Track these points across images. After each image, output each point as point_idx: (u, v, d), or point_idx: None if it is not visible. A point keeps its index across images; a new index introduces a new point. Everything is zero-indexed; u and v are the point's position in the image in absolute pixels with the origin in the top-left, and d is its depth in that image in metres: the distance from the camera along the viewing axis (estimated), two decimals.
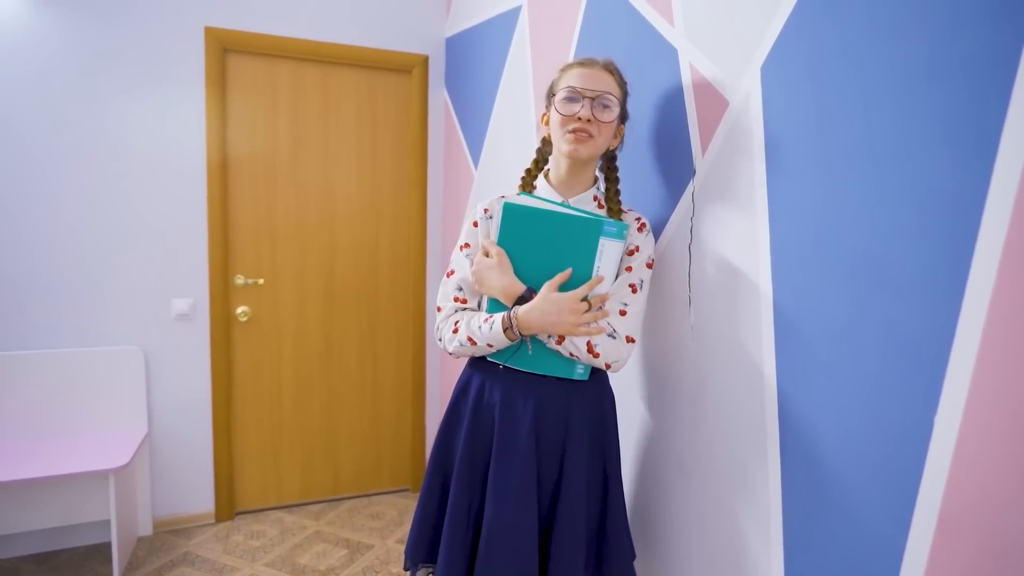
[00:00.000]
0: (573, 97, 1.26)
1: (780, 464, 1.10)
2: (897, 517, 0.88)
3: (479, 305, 1.36)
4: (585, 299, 1.23)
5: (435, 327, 1.39)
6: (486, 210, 1.38)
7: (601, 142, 1.29)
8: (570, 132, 1.26)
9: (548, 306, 1.20)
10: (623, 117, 1.35)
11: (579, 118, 1.25)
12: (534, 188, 1.40)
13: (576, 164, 1.32)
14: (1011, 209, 0.74)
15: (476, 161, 2.63)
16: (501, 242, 1.27)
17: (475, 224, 1.39)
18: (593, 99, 1.25)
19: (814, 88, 1.02)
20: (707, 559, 1.29)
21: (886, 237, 0.90)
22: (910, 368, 0.86)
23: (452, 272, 1.39)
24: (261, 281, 2.81)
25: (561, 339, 1.23)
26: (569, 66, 1.31)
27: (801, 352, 1.05)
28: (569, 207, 1.28)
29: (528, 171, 1.43)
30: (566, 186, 1.35)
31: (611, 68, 1.31)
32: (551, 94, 1.34)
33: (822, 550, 1.02)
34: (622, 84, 1.33)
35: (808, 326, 1.04)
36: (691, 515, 1.34)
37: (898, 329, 0.88)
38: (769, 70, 1.11)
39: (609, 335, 1.23)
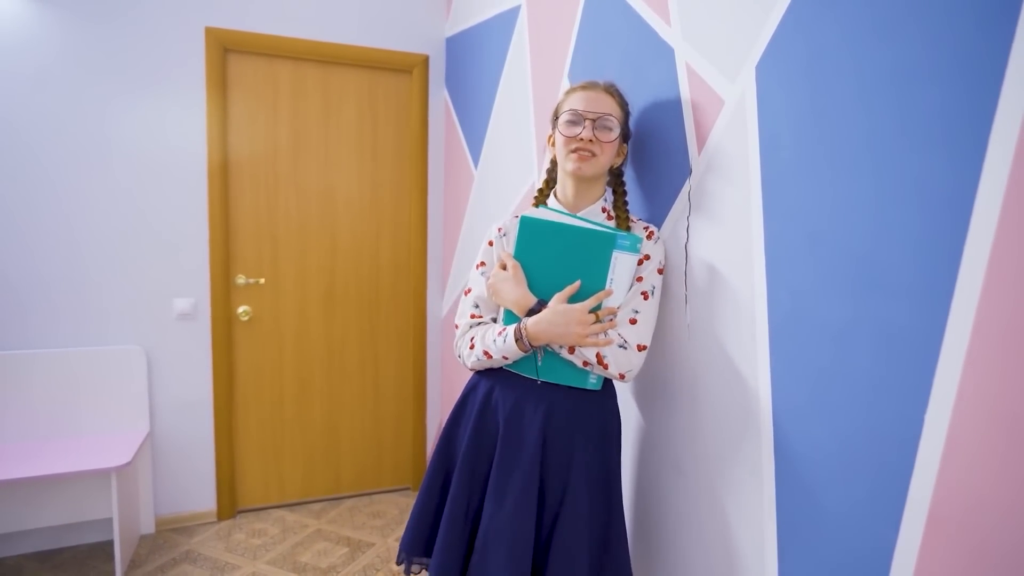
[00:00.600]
0: (575, 119, 1.32)
1: (774, 463, 1.10)
2: (887, 515, 0.89)
3: (495, 320, 1.39)
4: (595, 311, 1.25)
5: (454, 344, 1.44)
6: (500, 229, 1.43)
7: (603, 160, 1.34)
8: (573, 152, 1.32)
9: (556, 317, 1.23)
10: (626, 136, 1.39)
11: (581, 138, 1.30)
12: (546, 205, 1.44)
13: (581, 182, 1.36)
14: (999, 211, 0.74)
15: (476, 161, 2.64)
16: (517, 255, 1.31)
17: (490, 244, 1.44)
18: (594, 120, 1.30)
19: (808, 87, 1.02)
20: (703, 557, 1.30)
21: (879, 237, 0.90)
22: (901, 367, 0.87)
23: (469, 290, 1.43)
24: (262, 281, 2.82)
25: (572, 349, 1.25)
26: (572, 89, 1.37)
27: (794, 351, 1.05)
28: (581, 219, 1.30)
29: (540, 191, 1.48)
30: (573, 204, 1.39)
31: (612, 91, 1.35)
32: (556, 117, 1.39)
33: (815, 548, 1.02)
34: (623, 105, 1.37)
35: (801, 326, 1.04)
36: (688, 515, 1.34)
37: (889, 329, 0.88)
38: (764, 69, 1.11)
39: (620, 346, 1.25)
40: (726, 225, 1.21)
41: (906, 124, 0.86)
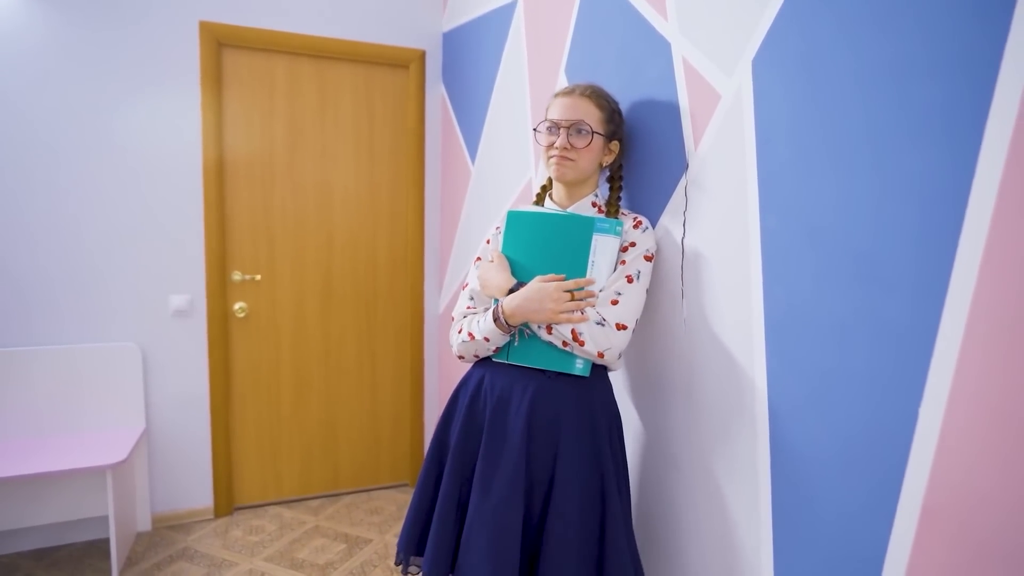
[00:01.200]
0: (551, 128, 1.38)
1: (769, 457, 1.10)
2: (881, 508, 0.89)
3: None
4: (573, 292, 1.26)
5: (449, 336, 1.47)
6: (498, 228, 1.49)
7: (583, 165, 1.38)
8: (551, 159, 1.38)
9: (530, 294, 1.26)
10: (613, 135, 1.41)
11: (556, 146, 1.36)
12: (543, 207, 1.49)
13: (569, 184, 1.40)
14: (992, 205, 0.74)
15: (473, 156, 2.63)
16: (505, 247, 1.38)
17: (488, 241, 1.51)
18: (568, 128, 1.35)
19: (804, 82, 1.02)
20: (700, 551, 1.30)
21: (876, 233, 0.90)
22: (896, 361, 0.87)
23: (466, 285, 1.48)
24: (258, 277, 2.81)
25: (550, 329, 1.26)
26: (555, 96, 1.42)
27: (790, 346, 1.05)
28: (568, 214, 1.34)
29: (543, 187, 1.54)
30: (565, 203, 1.44)
31: (589, 93, 1.38)
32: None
33: (810, 542, 1.02)
34: (604, 107, 1.39)
35: (798, 321, 1.04)
36: (685, 509, 1.34)
37: (885, 323, 0.88)
38: (760, 63, 1.11)
39: (597, 323, 1.25)
40: (722, 220, 1.21)
41: (904, 119, 0.86)
